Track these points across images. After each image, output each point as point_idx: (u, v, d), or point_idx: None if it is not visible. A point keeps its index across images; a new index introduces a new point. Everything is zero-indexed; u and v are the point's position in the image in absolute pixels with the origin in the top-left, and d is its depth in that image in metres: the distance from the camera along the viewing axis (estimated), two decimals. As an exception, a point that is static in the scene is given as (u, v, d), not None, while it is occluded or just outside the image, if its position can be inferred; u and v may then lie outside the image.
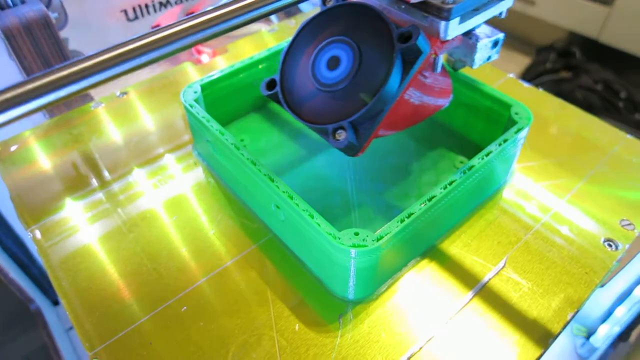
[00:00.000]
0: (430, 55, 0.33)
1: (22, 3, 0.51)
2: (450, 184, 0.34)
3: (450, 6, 0.30)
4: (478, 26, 0.36)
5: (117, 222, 0.40)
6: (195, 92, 0.43)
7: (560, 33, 1.62)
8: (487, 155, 0.36)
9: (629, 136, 0.47)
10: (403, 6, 0.33)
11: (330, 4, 0.35)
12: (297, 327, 0.33)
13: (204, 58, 0.63)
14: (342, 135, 0.31)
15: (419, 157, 0.44)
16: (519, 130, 0.38)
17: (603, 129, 0.48)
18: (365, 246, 0.30)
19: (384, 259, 0.33)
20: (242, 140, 0.46)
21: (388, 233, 0.31)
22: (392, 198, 0.41)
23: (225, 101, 0.46)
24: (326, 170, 0.44)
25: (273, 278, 0.36)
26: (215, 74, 0.44)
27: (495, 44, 0.37)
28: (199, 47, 0.62)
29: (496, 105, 0.41)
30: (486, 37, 0.36)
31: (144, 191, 0.43)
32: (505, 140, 0.37)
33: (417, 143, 0.46)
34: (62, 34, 0.53)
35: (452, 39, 0.33)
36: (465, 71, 0.43)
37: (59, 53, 0.52)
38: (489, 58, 0.38)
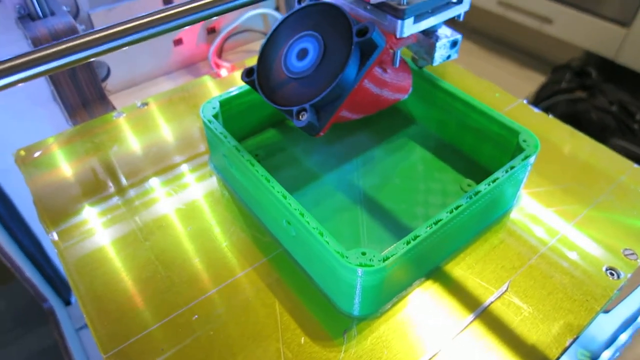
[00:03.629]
0: (387, 50, 0.37)
1: (52, 15, 0.53)
2: (457, 208, 0.35)
3: (404, 7, 0.36)
4: (437, 27, 0.42)
5: (133, 229, 0.42)
6: (214, 108, 0.44)
7: (576, 52, 1.62)
8: (493, 181, 0.37)
9: (635, 165, 0.48)
10: (368, 7, 0.39)
11: (304, 3, 0.39)
12: (302, 341, 0.35)
13: (223, 72, 0.65)
14: (304, 116, 0.35)
15: (428, 179, 0.46)
16: (526, 158, 0.39)
17: (611, 158, 0.49)
18: (372, 266, 0.32)
19: (389, 278, 0.34)
20: (257, 155, 0.48)
21: (394, 254, 0.32)
22: (400, 218, 0.42)
23: (242, 117, 0.48)
24: (337, 188, 0.45)
25: (282, 291, 0.38)
26: (234, 90, 0.46)
27: (454, 44, 0.42)
28: (218, 61, 0.64)
29: (504, 132, 0.42)
30: (445, 37, 0.42)
31: (160, 199, 0.45)
32: (512, 167, 0.38)
33: (426, 165, 0.47)
34: (89, 45, 0.55)
35: (408, 37, 0.37)
36: (477, 96, 0.45)
37: (85, 63, 0.54)
38: (448, 57, 0.43)
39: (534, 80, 1.61)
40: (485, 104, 0.44)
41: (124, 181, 0.47)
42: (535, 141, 0.40)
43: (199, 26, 0.63)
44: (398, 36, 0.37)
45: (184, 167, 0.48)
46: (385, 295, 0.36)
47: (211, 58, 0.58)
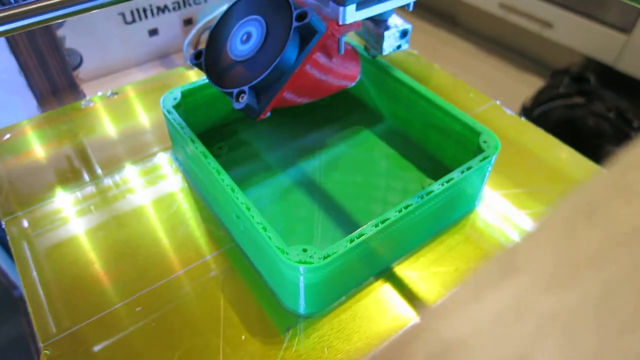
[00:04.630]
0: (330, 36, 0.37)
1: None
2: (406, 207, 0.34)
3: None
4: (387, 16, 0.42)
5: (89, 218, 0.42)
6: (175, 99, 0.44)
7: (576, 57, 1.61)
8: (448, 181, 0.36)
9: (604, 171, 0.47)
10: None
11: None
12: (243, 337, 0.34)
13: (199, 63, 0.64)
14: (243, 98, 0.35)
15: (390, 177, 0.45)
16: (485, 159, 0.38)
17: (580, 162, 0.48)
18: (312, 263, 0.31)
19: (334, 276, 0.33)
20: (219, 149, 0.47)
21: (335, 252, 0.32)
22: (356, 216, 0.41)
23: (206, 108, 0.47)
24: (297, 184, 0.44)
25: (230, 286, 0.37)
26: (199, 81, 0.45)
27: (403, 34, 0.42)
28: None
29: (466, 131, 0.42)
30: (395, 27, 0.41)
31: (119, 190, 0.44)
32: (468, 168, 0.37)
33: (390, 163, 0.46)
34: (59, 32, 0.55)
35: (351, 24, 0.37)
36: (450, 95, 0.44)
37: (55, 51, 0.54)
38: (398, 47, 0.42)
39: (533, 84, 1.59)
40: (452, 103, 0.43)
41: (84, 172, 0.46)
42: (495, 142, 0.39)
43: (175, 17, 0.63)
44: (340, 23, 0.36)
45: (148, 159, 0.47)
46: (331, 294, 0.36)
47: (186, 50, 0.58)
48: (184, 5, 0.62)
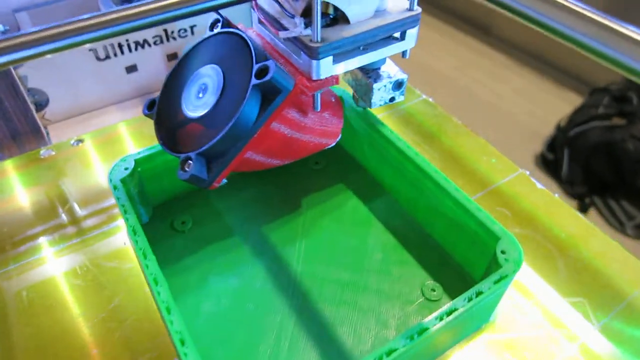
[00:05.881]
0: (298, 93, 0.30)
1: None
2: (389, 353, 0.26)
3: (317, 45, 0.28)
4: (378, 64, 0.35)
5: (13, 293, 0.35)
6: (127, 169, 0.36)
7: (617, 75, 1.47)
8: (448, 314, 0.28)
9: (661, 278, 0.37)
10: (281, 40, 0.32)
11: (214, 30, 0.33)
12: None
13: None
14: (190, 167, 0.29)
15: (383, 274, 0.36)
16: (500, 280, 0.29)
17: (629, 263, 0.38)
18: None
19: None
20: (182, 223, 0.40)
21: None
22: (336, 334, 0.33)
23: (168, 175, 0.40)
24: (268, 278, 0.36)
25: None
26: (155, 146, 0.38)
27: (398, 85, 0.35)
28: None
29: (481, 231, 0.33)
30: (387, 77, 0.35)
31: (56, 258, 0.37)
32: (478, 294, 0.28)
33: (385, 253, 0.38)
34: (19, 71, 0.48)
35: (327, 79, 0.31)
36: (470, 159, 0.35)
37: (14, 92, 0.47)
38: (391, 99, 0.36)
39: (570, 102, 1.46)
40: (471, 171, 0.34)
41: (18, 234, 0.40)
42: (517, 255, 0.30)
43: (157, 52, 0.55)
44: (314, 78, 0.30)
45: (93, 223, 0.40)
46: None
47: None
48: (167, 39, 0.54)
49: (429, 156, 0.46)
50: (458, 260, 0.36)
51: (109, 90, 0.55)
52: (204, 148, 0.29)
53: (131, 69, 0.55)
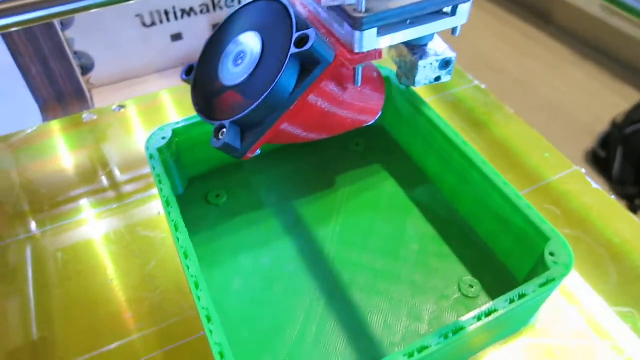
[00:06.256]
0: (338, 66, 0.29)
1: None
2: (420, 350, 0.25)
3: (361, 15, 0.26)
4: (425, 40, 0.33)
5: (51, 254, 0.35)
6: (164, 139, 0.36)
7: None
8: (487, 314, 0.26)
9: None
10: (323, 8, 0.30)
11: None
12: None
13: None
14: (223, 135, 0.28)
15: (420, 266, 0.35)
16: (546, 284, 0.27)
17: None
18: None
19: None
20: (217, 197, 0.39)
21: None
22: (366, 323, 0.32)
23: (205, 147, 0.39)
24: (298, 258, 0.35)
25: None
26: (194, 116, 0.37)
27: (445, 64, 0.34)
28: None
29: (530, 230, 0.30)
30: (434, 55, 0.33)
31: (101, 219, 0.37)
32: (522, 296, 0.27)
33: (423, 244, 0.36)
34: (67, 34, 0.48)
35: (370, 53, 0.29)
36: (521, 153, 0.33)
37: (60, 54, 0.47)
38: (437, 79, 0.35)
39: (629, 98, 1.38)
40: (522, 164, 0.32)
41: (58, 195, 0.40)
42: (567, 257, 0.28)
43: (203, 21, 0.54)
44: (356, 50, 0.28)
45: (130, 189, 0.40)
46: None
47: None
48: (214, 8, 0.53)
49: (477, 146, 0.43)
50: (501, 258, 0.34)
51: (153, 58, 0.54)
52: (238, 117, 0.28)
53: (176, 37, 0.54)
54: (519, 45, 1.56)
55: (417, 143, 0.40)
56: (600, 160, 1.24)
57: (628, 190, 1.19)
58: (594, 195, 0.39)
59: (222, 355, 0.24)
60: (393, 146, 0.43)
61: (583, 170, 0.41)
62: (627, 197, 1.17)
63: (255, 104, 0.27)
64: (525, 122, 0.45)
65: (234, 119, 0.28)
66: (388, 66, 0.40)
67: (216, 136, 0.29)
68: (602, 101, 1.39)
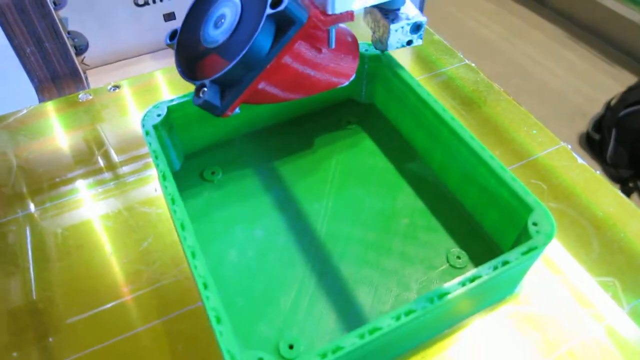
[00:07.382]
0: (312, 27, 0.31)
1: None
2: (407, 314, 0.26)
3: None
4: (397, 4, 0.35)
5: (53, 233, 0.36)
6: (159, 115, 0.37)
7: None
8: (471, 280, 0.27)
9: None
10: None
11: None
12: None
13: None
14: (204, 93, 0.30)
15: (409, 239, 0.36)
16: (528, 252, 0.28)
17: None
18: (266, 385, 0.23)
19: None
20: (212, 173, 0.40)
21: (298, 375, 0.24)
22: (358, 291, 0.33)
23: (200, 124, 0.40)
24: (291, 231, 0.36)
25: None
26: (189, 94, 0.38)
27: (416, 27, 0.36)
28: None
29: (514, 201, 0.31)
30: (405, 19, 0.35)
31: (95, 201, 0.38)
32: (504, 263, 0.28)
33: (413, 218, 0.37)
34: (61, 13, 0.49)
35: (342, 14, 0.30)
36: (509, 128, 0.34)
37: (54, 33, 0.48)
38: (409, 42, 0.37)
39: (623, 81, 1.38)
40: (510, 140, 0.33)
41: (56, 175, 0.41)
42: (549, 227, 0.29)
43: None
44: (329, 12, 0.30)
45: (127, 169, 0.41)
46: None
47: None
48: (207, -13, 0.53)
49: (466, 122, 0.44)
50: (487, 229, 0.36)
51: (146, 38, 0.55)
52: (217, 75, 0.30)
53: (169, 16, 0.54)
54: (513, 27, 1.56)
55: (407, 120, 0.41)
56: (594, 142, 1.25)
57: (621, 173, 1.20)
58: (580, 170, 0.41)
59: (218, 319, 0.26)
60: (383, 123, 0.44)
61: (569, 146, 0.42)
62: (620, 180, 1.19)
63: (233, 63, 0.29)
64: (514, 100, 0.46)
65: (213, 77, 0.30)
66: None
67: (197, 94, 0.31)
68: (596, 84, 1.40)
